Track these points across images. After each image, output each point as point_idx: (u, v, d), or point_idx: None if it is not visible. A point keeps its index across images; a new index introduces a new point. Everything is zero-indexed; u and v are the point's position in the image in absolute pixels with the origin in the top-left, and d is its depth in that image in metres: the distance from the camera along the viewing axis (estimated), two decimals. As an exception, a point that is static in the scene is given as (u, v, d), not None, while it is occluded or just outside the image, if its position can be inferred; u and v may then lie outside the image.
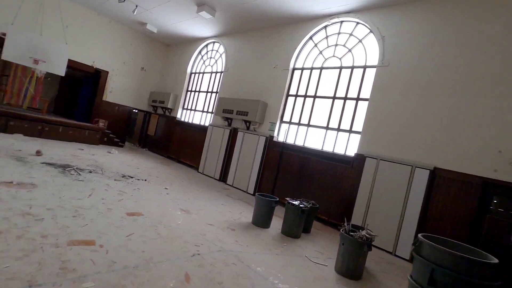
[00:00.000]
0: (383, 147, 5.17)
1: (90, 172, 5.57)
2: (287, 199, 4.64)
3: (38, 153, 5.99)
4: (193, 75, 10.72)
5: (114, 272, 2.34)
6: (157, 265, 2.63)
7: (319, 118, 6.52)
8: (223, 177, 8.15)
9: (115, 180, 5.41)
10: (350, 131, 5.85)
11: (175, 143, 10.34)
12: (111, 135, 10.41)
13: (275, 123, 7.16)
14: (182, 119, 10.65)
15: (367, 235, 3.37)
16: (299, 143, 6.71)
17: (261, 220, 4.55)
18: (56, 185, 4.25)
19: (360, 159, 5.38)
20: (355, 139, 5.71)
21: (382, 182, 4.96)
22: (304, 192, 6.10)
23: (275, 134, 7.14)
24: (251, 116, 7.34)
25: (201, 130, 9.36)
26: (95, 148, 8.93)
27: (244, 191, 7.28)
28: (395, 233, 4.65)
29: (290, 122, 7.01)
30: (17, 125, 7.98)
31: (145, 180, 6.00)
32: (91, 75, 10.38)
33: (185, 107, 10.69)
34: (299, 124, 6.83)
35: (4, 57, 7.02)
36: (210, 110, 9.57)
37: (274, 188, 6.79)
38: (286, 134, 6.87)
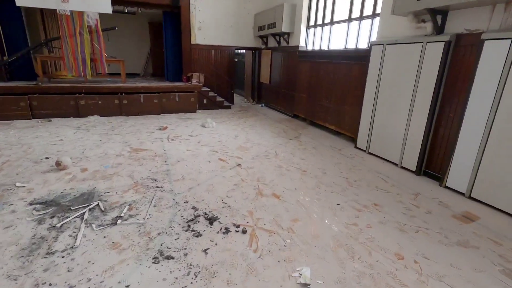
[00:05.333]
0: None
1: (115, 222, 2.22)
2: None
3: (59, 166, 3.17)
4: (318, -45, 5.56)
5: None
6: None
7: None
8: (426, 166, 3.43)
9: (157, 262, 1.83)
10: None
11: (304, 92, 6.05)
12: (211, 94, 7.22)
13: None
14: (310, 48, 6.06)
15: None
16: None
17: None
18: None
19: None
20: None
21: None
22: None
23: None
24: None
25: (353, 60, 4.57)
26: (188, 120, 5.92)
27: (534, 227, 2.41)
28: None
29: None
30: (89, 104, 5.75)
31: (244, 232, 2.17)
32: (170, 10, 7.06)
33: (312, 23, 5.94)
34: None
35: (18, 2, 4.34)
36: (367, 13, 4.48)
37: None
38: None
